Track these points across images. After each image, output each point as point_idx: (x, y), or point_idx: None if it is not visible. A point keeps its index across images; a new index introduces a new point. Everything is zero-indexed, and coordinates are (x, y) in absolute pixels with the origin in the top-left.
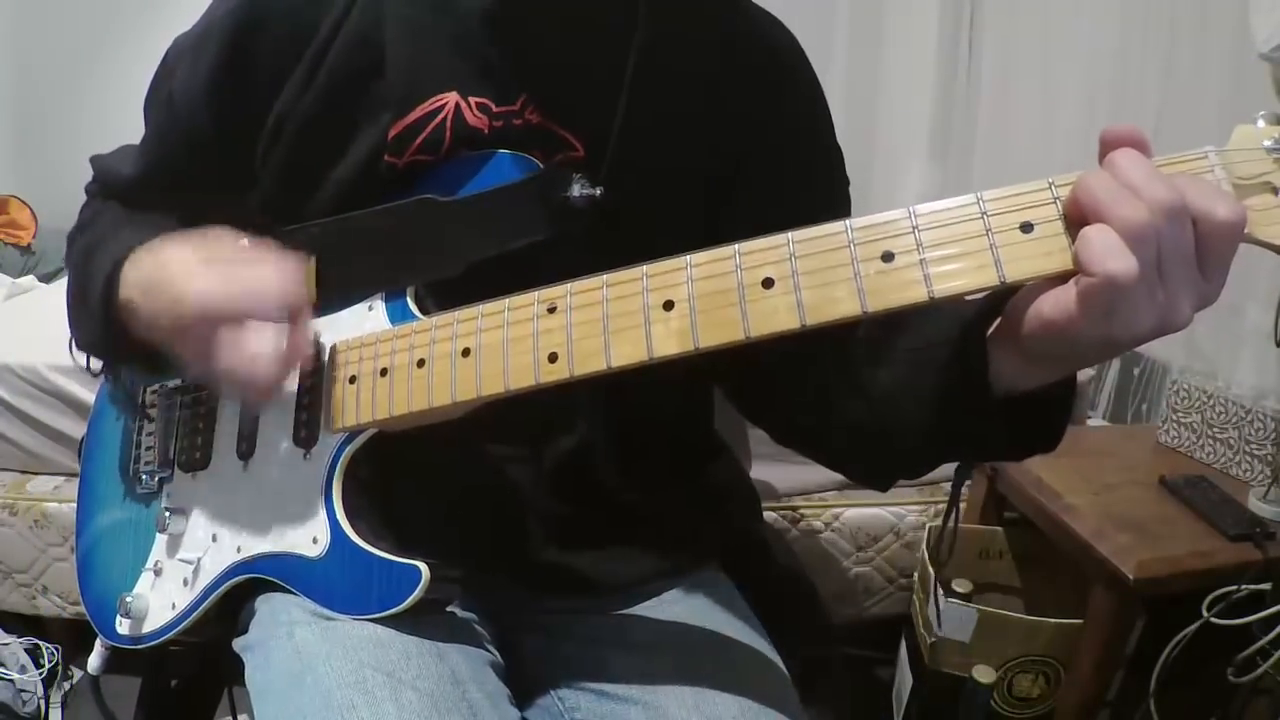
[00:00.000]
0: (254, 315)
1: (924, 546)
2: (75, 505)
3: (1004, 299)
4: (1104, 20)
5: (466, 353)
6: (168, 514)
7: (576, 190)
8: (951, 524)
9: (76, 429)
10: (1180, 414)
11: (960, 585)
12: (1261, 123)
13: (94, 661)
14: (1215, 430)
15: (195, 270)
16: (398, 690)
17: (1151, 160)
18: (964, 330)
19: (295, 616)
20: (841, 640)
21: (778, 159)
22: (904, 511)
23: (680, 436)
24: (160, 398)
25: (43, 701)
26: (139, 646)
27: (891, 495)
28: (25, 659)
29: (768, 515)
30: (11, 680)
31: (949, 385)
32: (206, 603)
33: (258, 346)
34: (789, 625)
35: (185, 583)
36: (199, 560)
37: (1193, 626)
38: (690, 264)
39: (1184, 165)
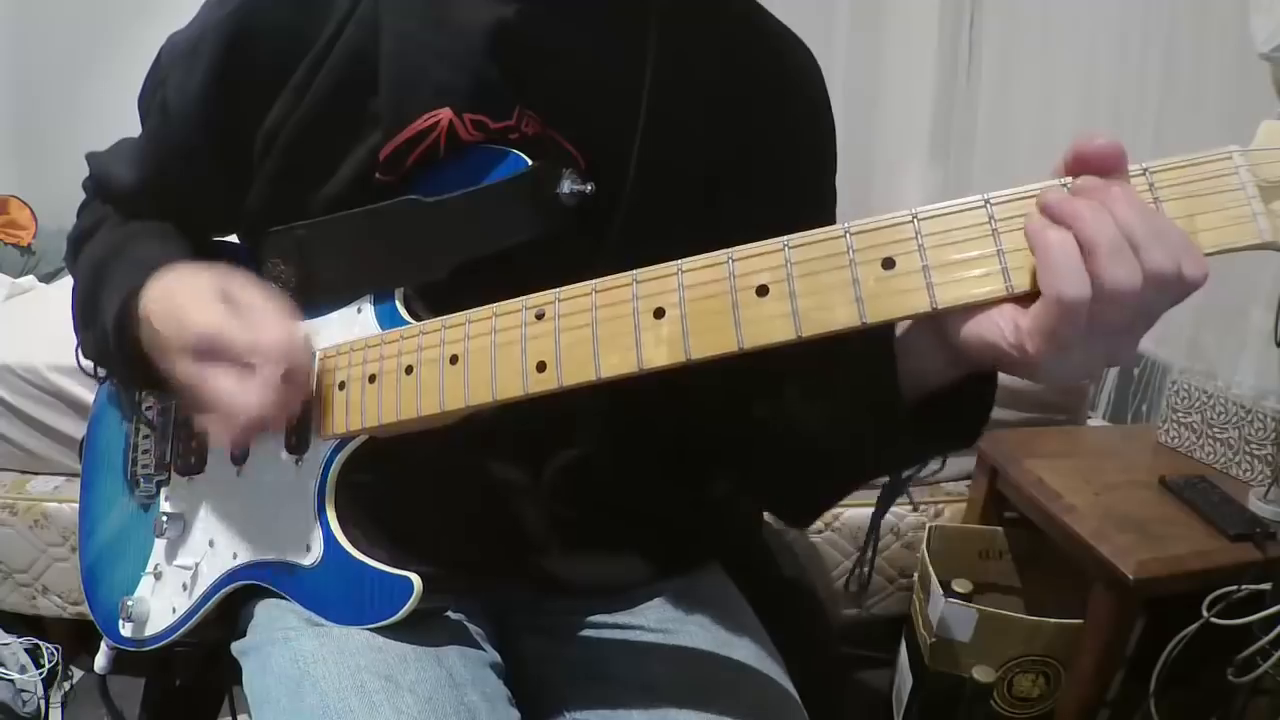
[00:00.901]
0: (254, 360)
1: (924, 546)
2: (75, 505)
3: None
4: (1104, 20)
5: (454, 360)
6: (165, 519)
7: (567, 187)
8: (870, 554)
9: (76, 429)
10: (1180, 414)
11: (960, 585)
12: None
13: (100, 661)
14: (1215, 430)
15: (208, 300)
16: (395, 694)
17: (1128, 175)
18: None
19: (292, 622)
20: (841, 640)
21: (775, 170)
22: (904, 512)
23: (682, 438)
24: (158, 400)
25: (43, 701)
26: (143, 649)
27: None
28: (25, 659)
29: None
30: (11, 680)
31: (854, 374)
32: (205, 608)
33: (246, 393)
34: (789, 625)
35: (184, 587)
36: (197, 565)
37: (1193, 626)
38: (681, 270)
39: (1207, 166)
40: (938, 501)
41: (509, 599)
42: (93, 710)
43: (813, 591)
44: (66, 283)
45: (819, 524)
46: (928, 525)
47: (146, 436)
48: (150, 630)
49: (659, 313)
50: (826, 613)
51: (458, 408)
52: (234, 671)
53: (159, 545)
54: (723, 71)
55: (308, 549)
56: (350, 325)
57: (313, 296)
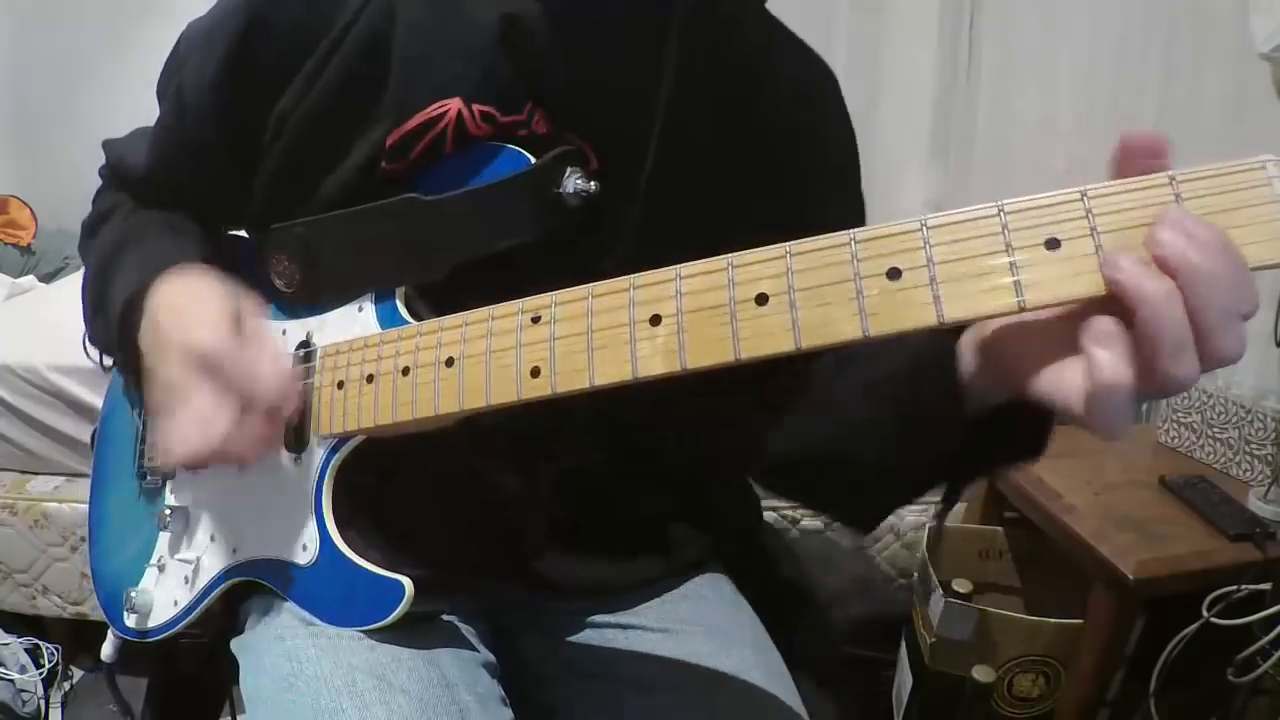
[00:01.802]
0: (239, 391)
1: (924, 546)
2: (76, 505)
3: None
4: (1104, 20)
5: (450, 362)
6: (169, 512)
7: (570, 186)
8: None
9: (76, 429)
10: (1180, 414)
11: (960, 585)
12: None
13: (107, 649)
14: (1215, 430)
15: (217, 318)
16: (387, 694)
17: (1170, 172)
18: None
19: (287, 621)
20: (842, 640)
21: (791, 179)
22: (904, 512)
23: (684, 439)
24: None
25: (43, 701)
26: (146, 640)
27: None
28: (25, 659)
29: (768, 515)
30: (11, 680)
31: (913, 393)
32: (206, 601)
33: (220, 421)
34: (789, 626)
35: (186, 581)
36: (198, 559)
37: (1193, 626)
38: (679, 275)
39: (1239, 176)
40: (938, 501)
41: (505, 599)
42: (93, 710)
43: (813, 592)
44: (66, 283)
45: (819, 524)
46: (928, 525)
47: (154, 429)
48: (153, 622)
49: (655, 320)
50: (826, 613)
51: (452, 411)
52: (233, 670)
53: (163, 538)
54: (741, 83)
55: (304, 548)
56: (351, 323)
57: (315, 293)
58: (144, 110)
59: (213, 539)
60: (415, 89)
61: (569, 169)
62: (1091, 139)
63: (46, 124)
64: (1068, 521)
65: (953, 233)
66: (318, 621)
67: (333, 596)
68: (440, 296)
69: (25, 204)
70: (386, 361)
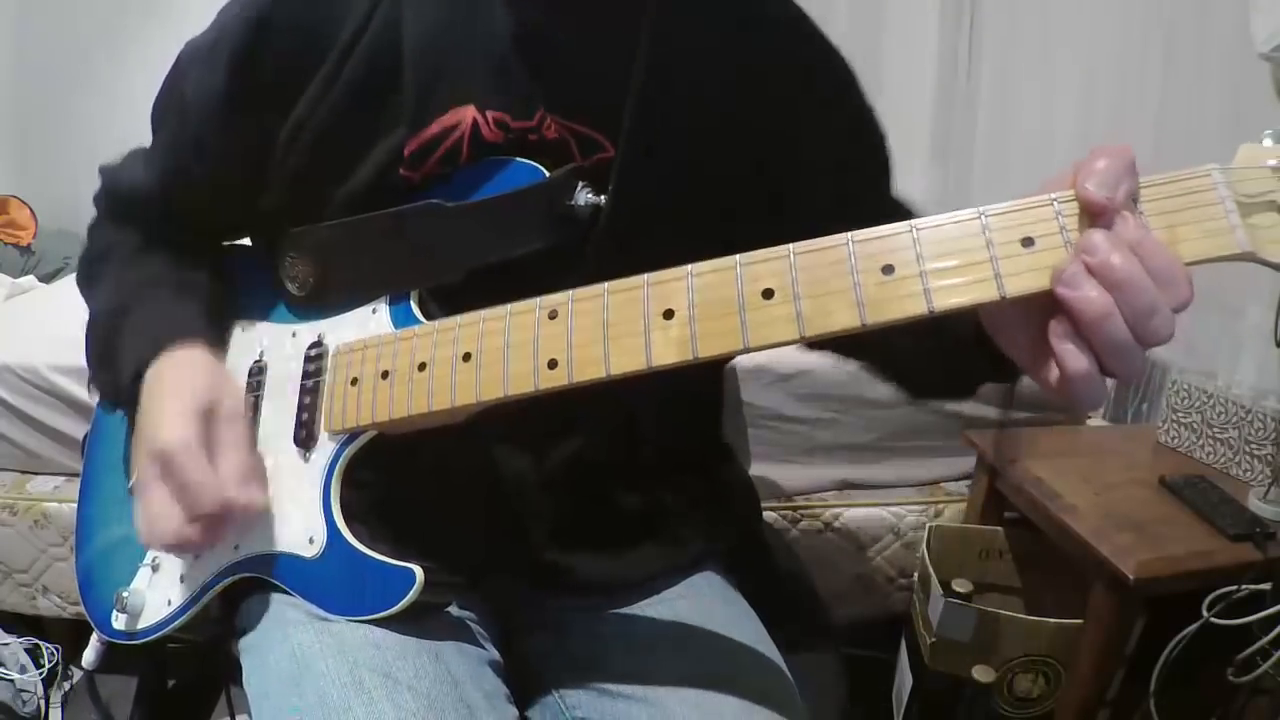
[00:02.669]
0: (185, 500)
1: (924, 546)
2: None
3: None
4: (1104, 21)
5: (467, 357)
6: None
7: (581, 199)
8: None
9: (76, 429)
10: (1180, 414)
11: (960, 585)
12: (1268, 141)
13: (89, 656)
14: (1215, 430)
15: (188, 412)
16: (394, 691)
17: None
18: None
19: (292, 617)
20: (842, 640)
21: (817, 140)
22: (904, 511)
23: (685, 438)
24: None
25: (43, 701)
26: (134, 642)
27: (891, 495)
28: (25, 659)
29: (768, 515)
30: (11, 680)
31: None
32: (203, 600)
33: (169, 521)
34: (790, 624)
35: (182, 579)
36: (196, 557)
37: (1193, 626)
38: (691, 274)
39: (1188, 183)
40: (938, 501)
41: (510, 596)
42: (91, 710)
43: (813, 591)
44: (66, 283)
45: (819, 524)
46: (928, 525)
47: None
48: (143, 623)
49: (669, 314)
50: (827, 612)
51: (468, 403)
52: (233, 670)
53: None
54: (755, 78)
55: (310, 540)
56: (365, 325)
57: (328, 295)
58: (144, 111)
59: None
60: (430, 97)
61: (580, 183)
62: (1091, 139)
63: (46, 124)
64: (1068, 521)
65: (940, 234)
66: (324, 617)
67: (341, 587)
68: (451, 298)
69: (25, 204)
70: (403, 358)
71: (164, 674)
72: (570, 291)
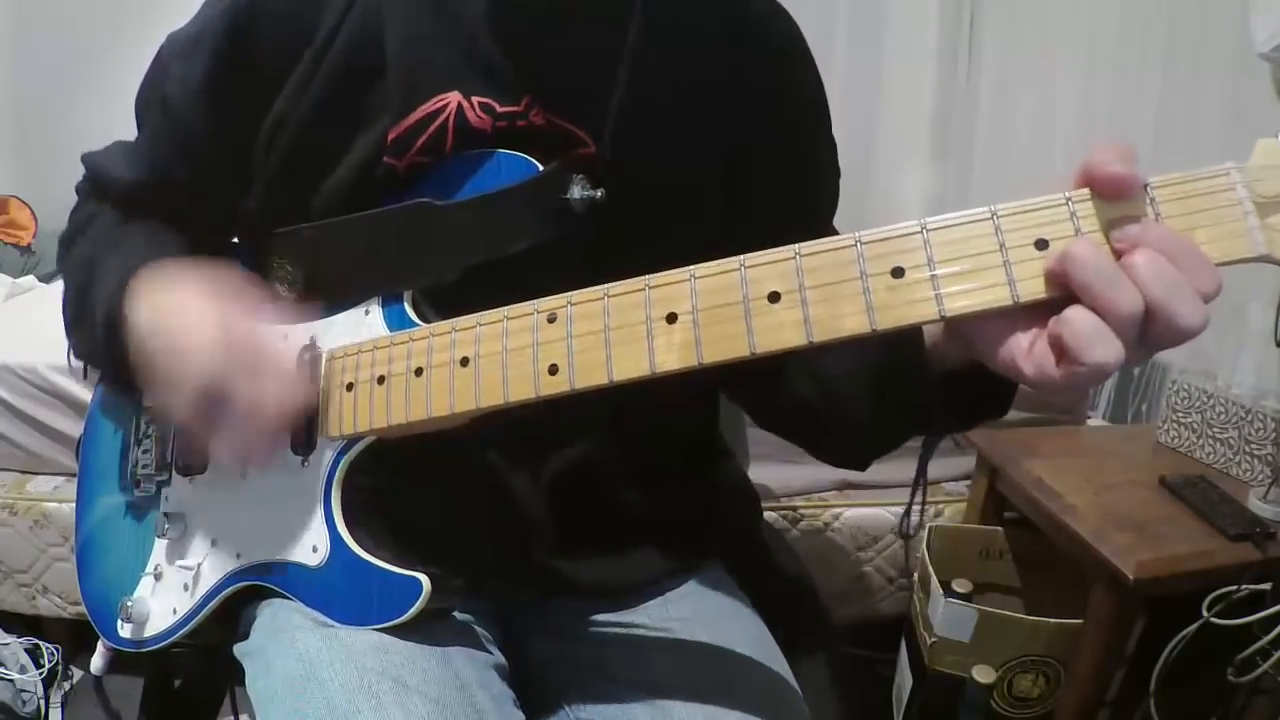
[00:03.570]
0: (245, 425)
1: (924, 546)
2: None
3: None
4: (1103, 20)
5: (465, 362)
6: (166, 519)
7: (576, 193)
8: (920, 500)
9: (76, 429)
10: (1180, 414)
11: (960, 585)
12: None
13: (97, 662)
14: (1215, 430)
15: (209, 343)
16: (404, 696)
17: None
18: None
19: (297, 622)
20: (842, 640)
21: (778, 152)
22: (904, 511)
23: (685, 439)
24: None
25: (43, 701)
26: (141, 650)
27: (891, 495)
28: (25, 659)
29: (768, 515)
30: (11, 680)
31: (888, 362)
32: (207, 608)
33: (238, 438)
34: (791, 625)
35: (185, 588)
36: (199, 566)
37: (1193, 626)
38: (694, 275)
39: (1205, 182)
40: (938, 501)
41: (514, 600)
42: (93, 710)
43: (814, 591)
44: None
45: (819, 524)
46: (928, 525)
47: (146, 436)
48: (150, 631)
49: (671, 318)
50: (827, 613)
51: (468, 409)
52: (235, 673)
53: (159, 546)
54: (721, 50)
55: (313, 549)
56: (358, 327)
57: (319, 298)
58: None
59: (214, 544)
60: (413, 84)
61: (575, 176)
62: (1091, 139)
63: (46, 124)
64: (1068, 521)
65: (951, 234)
66: (329, 622)
67: (347, 596)
68: (445, 298)
69: (25, 204)
70: (398, 363)
71: (169, 675)
72: (568, 294)
